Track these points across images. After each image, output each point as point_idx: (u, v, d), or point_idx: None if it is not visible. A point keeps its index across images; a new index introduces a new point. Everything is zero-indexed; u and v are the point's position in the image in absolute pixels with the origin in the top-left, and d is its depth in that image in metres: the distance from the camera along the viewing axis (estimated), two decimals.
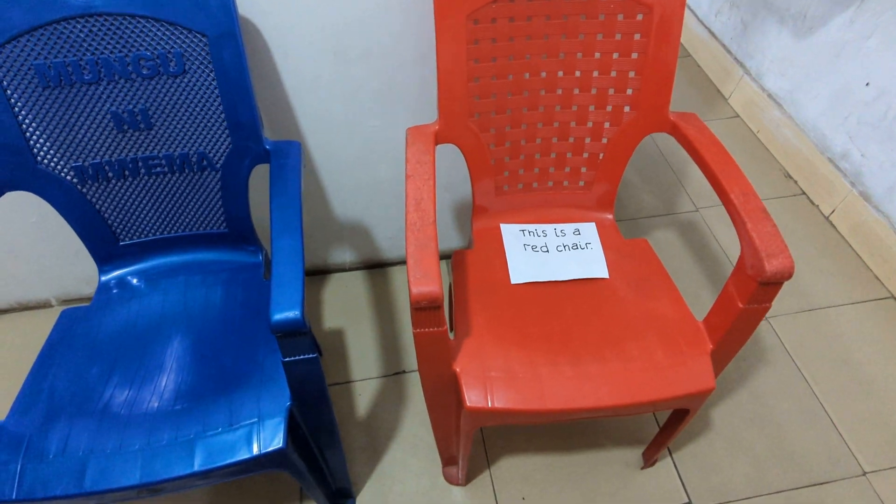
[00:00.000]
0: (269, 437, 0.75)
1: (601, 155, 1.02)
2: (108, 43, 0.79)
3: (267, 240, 1.03)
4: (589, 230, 1.05)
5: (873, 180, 1.45)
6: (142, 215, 0.93)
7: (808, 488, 1.11)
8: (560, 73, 0.94)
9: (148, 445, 0.74)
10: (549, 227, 1.05)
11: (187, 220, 0.95)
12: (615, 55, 0.92)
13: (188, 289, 0.93)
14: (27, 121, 0.81)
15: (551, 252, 1.01)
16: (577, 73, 0.94)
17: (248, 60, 0.82)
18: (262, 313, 0.90)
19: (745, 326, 0.82)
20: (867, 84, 1.43)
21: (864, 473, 1.13)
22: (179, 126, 0.86)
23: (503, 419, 0.83)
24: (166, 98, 0.84)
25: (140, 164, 0.88)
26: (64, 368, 0.84)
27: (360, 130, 1.09)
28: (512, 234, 1.03)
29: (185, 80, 0.83)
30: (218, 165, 0.89)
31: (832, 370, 1.28)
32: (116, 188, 0.89)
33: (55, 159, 0.84)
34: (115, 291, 0.94)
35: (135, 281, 0.96)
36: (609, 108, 0.97)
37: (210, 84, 0.83)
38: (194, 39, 0.80)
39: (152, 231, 0.95)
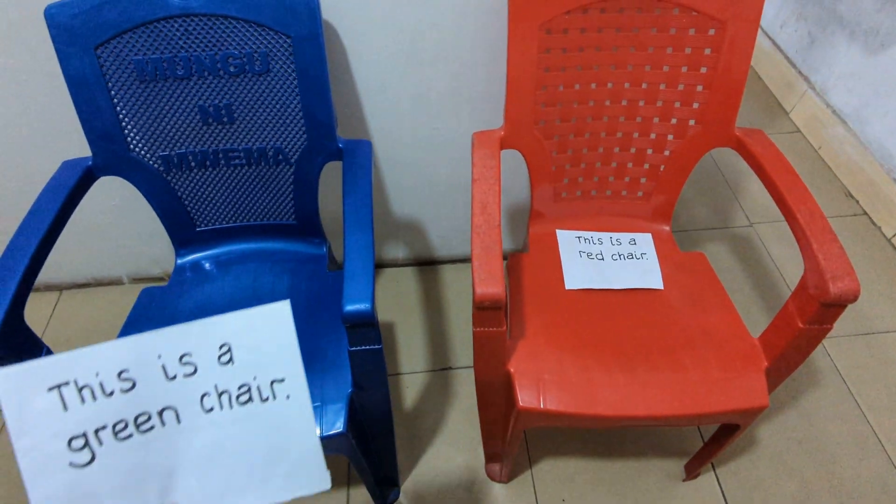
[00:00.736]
0: (332, 421, 0.79)
1: (662, 167, 1.02)
2: (201, 41, 0.84)
3: (331, 233, 1.08)
4: (645, 241, 1.05)
5: None
6: (218, 204, 0.99)
7: None
8: (627, 85, 0.95)
9: None
10: (605, 236, 1.06)
11: (259, 210, 1.00)
12: (684, 69, 0.93)
13: (257, 276, 0.98)
14: (123, 112, 0.87)
15: (606, 260, 1.02)
16: (644, 85, 0.95)
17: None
18: (325, 303, 0.94)
19: (803, 347, 0.82)
20: None
21: None
22: (259, 121, 0.91)
23: (553, 421, 0.85)
24: (249, 94, 0.89)
25: (221, 155, 0.94)
26: None
27: (424, 131, 1.13)
28: (568, 241, 1.05)
29: (268, 78, 0.87)
30: (292, 160, 0.94)
31: (888, 397, 1.25)
32: (197, 177, 0.95)
33: (145, 148, 0.90)
34: (189, 274, 1.00)
35: (208, 265, 1.01)
36: (674, 121, 0.97)
37: (291, 83, 0.87)
38: (279, 40, 0.85)
39: (227, 219, 1.01)
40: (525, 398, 0.82)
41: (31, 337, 0.72)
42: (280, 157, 0.94)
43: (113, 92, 0.85)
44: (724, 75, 0.91)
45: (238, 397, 0.46)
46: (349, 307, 0.70)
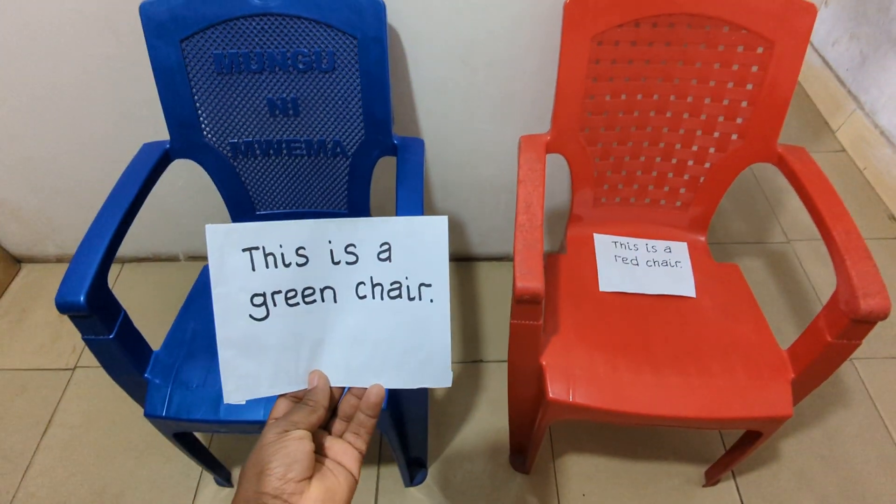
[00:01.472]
0: None
1: (702, 178, 1.05)
2: (275, 39, 0.91)
3: None
4: (680, 249, 1.08)
5: None
6: (278, 190, 1.06)
7: None
8: (672, 97, 0.98)
9: None
10: (640, 242, 1.09)
11: (315, 198, 1.07)
12: (730, 84, 0.95)
13: None
14: (200, 101, 0.94)
15: (641, 266, 1.05)
16: (689, 99, 0.98)
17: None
18: None
19: (830, 360, 0.84)
20: None
21: None
22: (322, 116, 0.97)
23: (581, 414, 0.89)
24: (315, 90, 0.95)
25: (284, 145, 1.01)
26: (204, 315, 0.97)
27: (473, 132, 1.18)
28: (604, 245, 1.09)
29: (333, 76, 0.94)
30: (349, 153, 1.01)
31: None
32: (261, 164, 1.02)
33: (216, 135, 0.98)
34: None
35: None
36: (716, 135, 1.00)
37: (354, 81, 0.94)
38: (346, 41, 0.91)
39: (284, 205, 1.08)
40: (555, 390, 0.87)
41: (112, 300, 0.80)
42: (338, 149, 1.00)
43: (193, 82, 0.93)
44: (770, 93, 0.94)
45: (389, 292, 0.52)
46: None
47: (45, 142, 1.21)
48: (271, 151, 1.01)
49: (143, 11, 0.86)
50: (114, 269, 1.49)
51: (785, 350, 0.91)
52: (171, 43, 0.89)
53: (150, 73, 0.90)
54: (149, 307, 1.41)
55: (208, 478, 1.16)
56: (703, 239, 1.11)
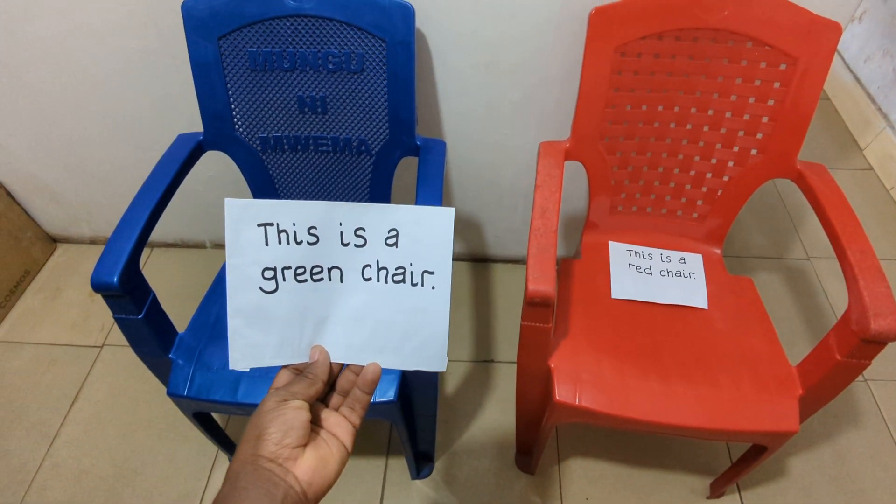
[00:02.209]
0: (385, 389, 0.88)
1: (720, 191, 1.06)
2: (307, 39, 0.95)
3: None
4: (695, 261, 1.09)
5: None
6: (303, 184, 1.10)
7: None
8: (693, 110, 0.99)
9: None
10: (655, 252, 1.10)
11: (338, 194, 1.11)
12: (751, 99, 0.96)
13: None
14: (233, 96, 0.98)
15: (654, 275, 1.07)
16: (710, 112, 0.99)
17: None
18: None
19: (839, 379, 0.84)
20: None
21: None
22: (349, 115, 1.01)
23: (586, 418, 0.91)
24: (343, 90, 0.98)
25: (311, 141, 1.04)
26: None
27: (493, 136, 1.20)
28: (619, 252, 1.10)
29: (362, 77, 0.97)
30: (373, 152, 1.04)
31: None
32: (289, 159, 1.06)
33: (247, 129, 1.02)
34: None
35: None
36: (735, 149, 1.01)
37: (381, 83, 0.97)
38: (375, 44, 0.94)
39: (308, 198, 1.11)
40: (562, 393, 0.89)
41: (143, 282, 0.85)
42: (363, 147, 1.04)
43: (228, 78, 0.97)
44: (792, 109, 0.94)
45: (393, 276, 0.54)
46: None
47: (84, 128, 1.27)
48: (299, 147, 1.05)
49: (185, 8, 0.90)
50: (143, 253, 1.55)
51: (795, 366, 0.91)
52: (209, 39, 0.93)
53: (187, 67, 0.94)
54: (175, 291, 1.46)
55: (223, 458, 1.20)
56: (718, 251, 1.12)
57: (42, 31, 1.09)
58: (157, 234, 1.52)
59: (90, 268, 0.77)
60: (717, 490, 1.14)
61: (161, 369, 0.92)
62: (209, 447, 1.22)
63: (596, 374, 0.90)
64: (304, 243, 0.53)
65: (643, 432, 1.19)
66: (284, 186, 1.10)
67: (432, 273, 0.54)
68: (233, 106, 0.99)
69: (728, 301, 1.03)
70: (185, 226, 1.51)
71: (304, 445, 0.47)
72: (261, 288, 0.53)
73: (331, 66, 0.96)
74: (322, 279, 0.54)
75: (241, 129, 1.02)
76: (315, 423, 0.51)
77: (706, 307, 1.02)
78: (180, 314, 0.97)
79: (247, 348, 0.54)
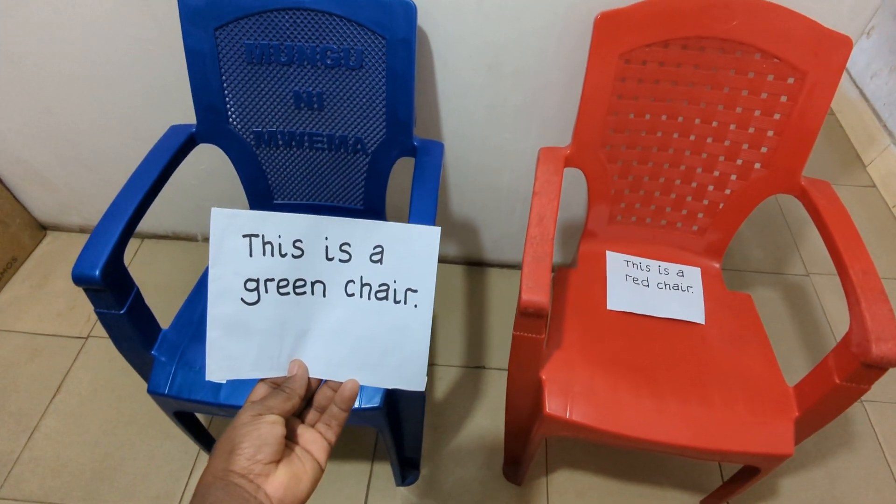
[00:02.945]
0: (371, 395, 0.85)
1: (721, 205, 1.04)
2: (306, 33, 0.92)
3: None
4: (693, 274, 1.07)
5: None
6: (297, 181, 1.07)
7: None
8: (697, 121, 0.97)
9: None
10: (654, 263, 1.08)
11: (332, 192, 1.08)
12: (757, 112, 0.94)
13: None
14: (228, 88, 0.96)
15: (651, 287, 1.04)
16: (714, 124, 0.97)
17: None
18: None
19: (837, 403, 0.82)
20: None
21: None
22: (345, 112, 0.98)
23: (576, 432, 0.89)
24: (341, 86, 0.96)
25: (306, 138, 1.02)
26: None
27: (493, 139, 1.18)
28: (616, 263, 1.08)
29: (360, 74, 0.95)
30: (369, 151, 1.01)
31: None
32: (283, 155, 1.04)
33: (241, 123, 1.00)
34: None
35: None
36: (739, 162, 0.99)
37: (380, 81, 0.95)
38: (375, 40, 0.92)
39: (302, 196, 1.09)
40: (552, 405, 0.87)
41: (126, 276, 0.82)
42: (359, 146, 1.01)
43: (223, 69, 0.94)
44: (798, 124, 0.92)
45: (376, 293, 0.54)
46: None
47: (77, 116, 1.25)
48: (293, 143, 1.03)
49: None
50: (133, 244, 1.53)
51: (791, 387, 0.89)
52: (205, 30, 0.90)
53: (182, 57, 0.92)
54: (163, 284, 1.44)
55: (205, 457, 1.18)
56: (717, 265, 1.10)
57: (37, 16, 1.06)
58: (148, 225, 1.50)
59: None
60: None
61: (143, 366, 0.90)
62: (191, 446, 1.19)
63: (588, 388, 0.88)
64: (289, 256, 0.51)
65: (634, 449, 1.17)
66: (277, 182, 1.07)
67: (416, 291, 0.53)
68: (227, 98, 0.97)
69: (726, 317, 1.01)
70: (178, 218, 1.48)
71: (278, 461, 0.46)
72: (242, 299, 0.52)
73: (329, 62, 0.94)
74: (305, 293, 0.53)
75: (234, 123, 0.99)
76: (290, 439, 0.49)
77: (703, 322, 1.00)
78: (166, 309, 0.95)
79: (225, 359, 0.53)
